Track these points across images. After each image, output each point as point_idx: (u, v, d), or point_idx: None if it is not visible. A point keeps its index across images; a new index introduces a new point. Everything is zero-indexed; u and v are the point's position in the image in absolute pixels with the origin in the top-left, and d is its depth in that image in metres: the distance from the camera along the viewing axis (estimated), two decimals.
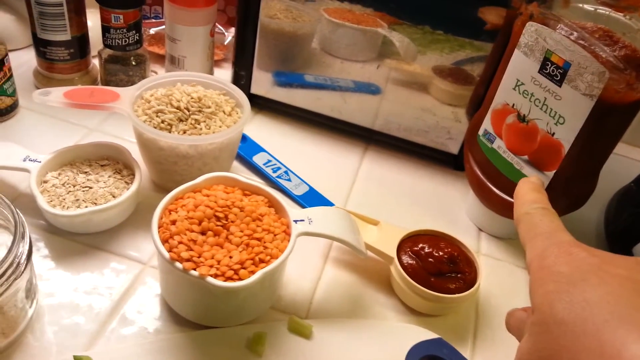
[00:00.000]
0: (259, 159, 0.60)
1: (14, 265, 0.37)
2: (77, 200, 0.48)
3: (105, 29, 0.61)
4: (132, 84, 0.57)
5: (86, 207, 0.47)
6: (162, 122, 0.50)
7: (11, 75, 0.59)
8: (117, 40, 0.62)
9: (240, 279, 0.38)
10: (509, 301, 0.51)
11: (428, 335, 0.44)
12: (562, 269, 0.27)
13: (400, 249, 0.49)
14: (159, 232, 0.40)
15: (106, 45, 0.63)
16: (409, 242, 0.49)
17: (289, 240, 0.41)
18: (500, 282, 0.53)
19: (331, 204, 0.57)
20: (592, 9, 0.46)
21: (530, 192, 0.34)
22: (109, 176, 0.50)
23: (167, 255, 0.38)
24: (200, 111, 0.51)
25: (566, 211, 0.52)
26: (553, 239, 0.29)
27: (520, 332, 0.31)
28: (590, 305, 0.24)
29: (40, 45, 0.62)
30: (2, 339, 0.39)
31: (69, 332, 0.41)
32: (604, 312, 0.24)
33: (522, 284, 0.53)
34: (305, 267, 0.50)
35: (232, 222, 0.41)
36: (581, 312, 0.24)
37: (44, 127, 0.61)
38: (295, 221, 0.43)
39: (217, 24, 0.68)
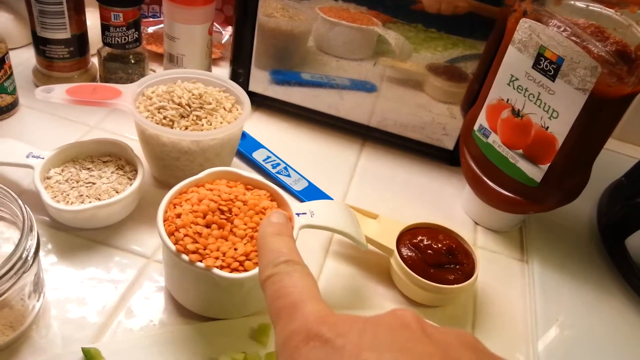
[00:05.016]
0: (258, 155, 0.61)
1: (23, 259, 0.37)
2: (81, 195, 0.48)
3: (105, 27, 0.62)
4: (131, 82, 0.57)
5: (90, 202, 0.48)
6: (164, 118, 0.51)
7: (11, 73, 0.59)
8: (116, 38, 0.62)
9: (245, 270, 0.39)
10: (506, 292, 0.52)
11: None
12: None
13: (399, 241, 0.50)
14: (164, 225, 0.41)
15: (105, 44, 0.63)
16: (408, 235, 0.50)
17: None
18: (497, 273, 0.54)
19: (330, 199, 0.58)
20: (584, 5, 0.47)
21: (274, 239, 0.28)
22: (112, 172, 0.51)
23: (173, 247, 0.39)
24: (201, 107, 0.52)
25: (560, 204, 0.54)
26: (296, 317, 0.23)
27: None
28: None
29: (40, 44, 0.62)
30: (10, 332, 0.40)
31: (75, 325, 0.42)
32: None
33: (517, 276, 0.54)
34: (306, 260, 0.50)
35: (235, 215, 0.42)
36: None
37: (44, 124, 0.61)
38: (298, 214, 0.44)
39: (214, 22, 0.69)
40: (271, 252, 0.27)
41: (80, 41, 0.64)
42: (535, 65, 0.48)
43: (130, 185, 0.50)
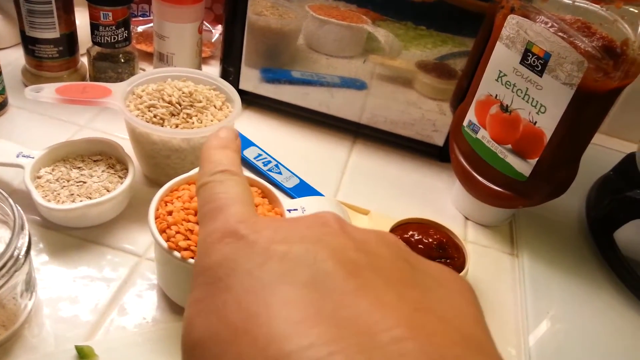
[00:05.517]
0: (249, 153, 0.61)
1: (14, 258, 0.37)
2: (72, 194, 0.48)
3: (94, 27, 0.62)
4: (121, 81, 0.57)
5: (81, 201, 0.48)
6: (155, 116, 0.51)
7: (0, 73, 0.59)
8: (106, 37, 0.62)
9: None
10: (496, 286, 0.53)
11: None
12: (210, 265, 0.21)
13: None
14: (156, 223, 0.41)
15: (95, 43, 0.63)
16: (399, 230, 0.51)
17: None
18: (487, 267, 0.54)
19: (321, 196, 0.58)
20: (571, 1, 0.47)
21: (217, 151, 0.27)
22: (103, 171, 0.51)
23: (165, 244, 0.39)
24: (191, 106, 0.52)
25: (549, 198, 0.54)
26: (218, 218, 0.23)
27: None
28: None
29: (29, 43, 0.62)
30: (2, 332, 0.39)
31: (68, 324, 0.42)
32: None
33: (507, 270, 0.55)
34: None
35: None
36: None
37: (34, 124, 0.61)
38: (289, 210, 0.44)
39: (204, 21, 0.69)
40: (211, 163, 0.26)
41: (69, 40, 0.64)
42: (523, 60, 0.49)
43: (121, 183, 0.50)
